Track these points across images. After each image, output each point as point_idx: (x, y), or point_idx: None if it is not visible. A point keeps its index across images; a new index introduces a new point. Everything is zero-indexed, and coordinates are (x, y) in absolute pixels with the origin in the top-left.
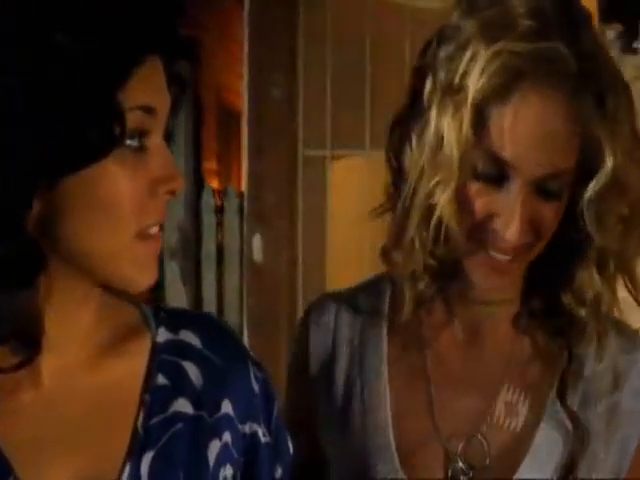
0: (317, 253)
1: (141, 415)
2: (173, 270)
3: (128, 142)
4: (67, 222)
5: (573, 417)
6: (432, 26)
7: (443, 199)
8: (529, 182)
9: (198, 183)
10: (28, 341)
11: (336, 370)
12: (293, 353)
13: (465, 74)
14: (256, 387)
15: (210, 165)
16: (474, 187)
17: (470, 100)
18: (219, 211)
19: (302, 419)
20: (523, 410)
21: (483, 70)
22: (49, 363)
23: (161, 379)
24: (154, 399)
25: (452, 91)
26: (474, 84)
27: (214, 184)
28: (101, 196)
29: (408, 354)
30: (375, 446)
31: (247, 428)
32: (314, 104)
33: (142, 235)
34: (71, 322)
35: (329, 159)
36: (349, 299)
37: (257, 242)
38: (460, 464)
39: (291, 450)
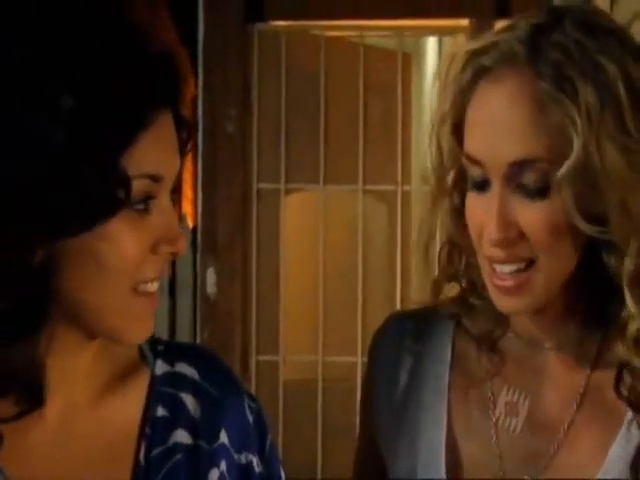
0: (271, 286)
1: (142, 447)
2: None
3: (134, 205)
4: (66, 274)
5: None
6: (385, 64)
7: (442, 214)
8: (503, 178)
9: None
10: (30, 393)
11: (396, 388)
12: (365, 376)
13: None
14: (250, 417)
15: None
16: (470, 198)
17: (449, 107)
18: None
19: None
20: (585, 453)
21: (455, 74)
22: (53, 404)
23: (160, 411)
24: (154, 431)
25: (441, 104)
26: (449, 89)
27: None
28: (103, 254)
29: (471, 383)
30: (424, 466)
31: (243, 458)
32: (268, 138)
33: (139, 290)
34: (72, 365)
35: (283, 193)
36: (418, 321)
37: (211, 275)
38: None
39: (283, 478)
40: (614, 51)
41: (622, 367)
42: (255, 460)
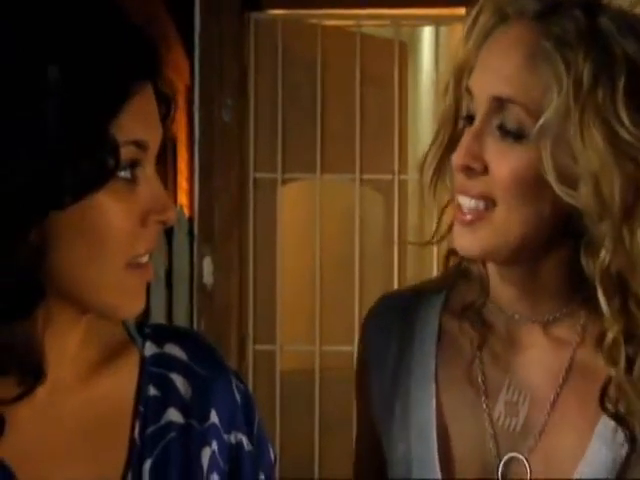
0: (267, 276)
1: (137, 426)
2: None
3: (121, 174)
4: (59, 251)
5: (632, 438)
6: (381, 53)
7: (439, 142)
8: (484, 113)
9: None
10: (30, 372)
11: (385, 369)
12: (357, 358)
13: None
14: (238, 397)
15: None
16: (465, 134)
17: (469, 49)
18: (167, 233)
19: (367, 423)
20: (572, 428)
21: (479, 19)
22: (42, 384)
23: (152, 390)
24: (147, 410)
25: (463, 50)
26: (472, 34)
27: None
28: (93, 227)
29: (458, 360)
30: (417, 445)
31: (232, 438)
32: (265, 127)
33: (132, 265)
34: (62, 343)
35: (280, 182)
36: (405, 300)
37: (207, 265)
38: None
39: (272, 457)
40: (631, 46)
41: (608, 382)
42: (245, 440)
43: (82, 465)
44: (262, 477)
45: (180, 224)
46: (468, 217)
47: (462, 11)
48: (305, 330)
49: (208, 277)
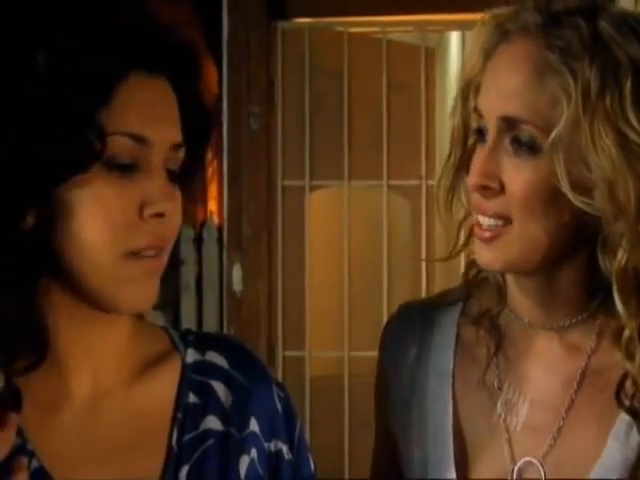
0: (296, 283)
1: (175, 432)
2: None
3: (119, 163)
4: (58, 238)
5: None
6: (407, 59)
7: (452, 161)
8: (495, 131)
9: None
10: (34, 347)
11: (404, 375)
12: (376, 366)
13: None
14: (279, 406)
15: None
16: (477, 151)
17: (473, 68)
18: (198, 242)
19: (384, 429)
20: (590, 429)
21: (481, 38)
22: (80, 383)
23: (192, 398)
24: (186, 417)
25: (468, 68)
26: (475, 53)
27: (193, 216)
28: (90, 212)
29: (474, 366)
30: (433, 450)
31: (272, 446)
32: (292, 135)
33: (131, 255)
34: (100, 344)
35: (307, 189)
36: (424, 309)
37: (237, 272)
38: None
39: (312, 467)
40: (634, 47)
41: (625, 376)
42: (285, 448)
43: (119, 470)
44: None
45: (209, 232)
46: (487, 234)
47: None
48: (334, 336)
49: (237, 284)
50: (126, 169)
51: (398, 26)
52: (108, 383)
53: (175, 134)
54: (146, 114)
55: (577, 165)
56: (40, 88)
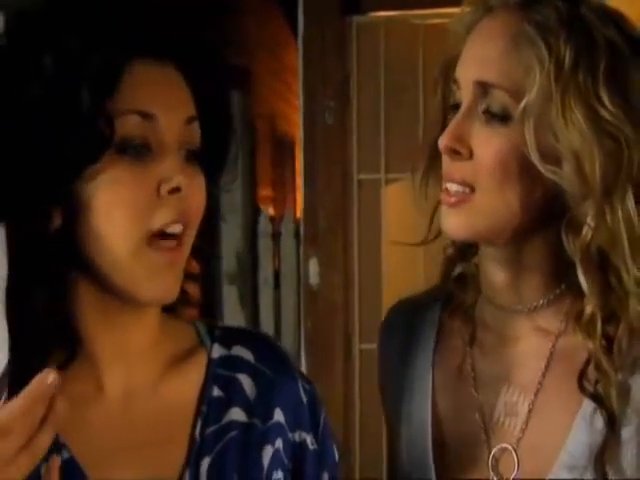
0: (372, 276)
1: (198, 425)
2: (231, 295)
3: (130, 144)
4: (82, 233)
5: (610, 419)
6: None
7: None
8: (470, 98)
9: (255, 210)
10: (66, 344)
11: (392, 370)
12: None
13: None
14: (304, 397)
15: (266, 192)
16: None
17: (455, 41)
18: (276, 236)
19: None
20: (558, 413)
21: (465, 15)
22: (112, 382)
23: (216, 391)
24: (210, 410)
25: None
26: (459, 30)
27: (270, 210)
28: (108, 199)
29: (452, 357)
30: (413, 443)
31: (297, 436)
32: (367, 129)
33: (154, 241)
34: (129, 342)
35: (383, 183)
36: (411, 305)
37: (313, 266)
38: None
39: (337, 457)
40: (614, 35)
41: (587, 363)
42: (309, 438)
43: (145, 462)
44: (326, 476)
45: (287, 226)
46: (453, 199)
47: None
48: None
49: (314, 278)
50: (138, 152)
51: None
52: (138, 378)
53: (184, 109)
54: (152, 94)
55: (547, 135)
56: (49, 88)
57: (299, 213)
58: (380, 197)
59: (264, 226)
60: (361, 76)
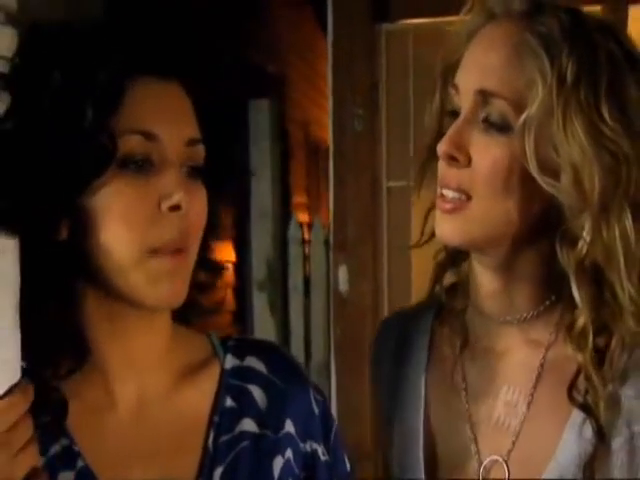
0: (402, 282)
1: (211, 435)
2: (261, 301)
3: (132, 160)
4: (88, 244)
5: (599, 430)
6: None
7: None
8: (469, 106)
9: (285, 216)
10: (74, 352)
11: (386, 381)
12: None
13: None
14: (316, 409)
15: (300, 198)
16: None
17: (452, 50)
18: (306, 243)
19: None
20: (548, 425)
21: (468, 20)
22: (125, 391)
23: (229, 402)
24: (222, 420)
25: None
26: (461, 34)
27: (304, 217)
28: (110, 212)
29: (443, 365)
30: (405, 451)
31: (307, 446)
32: (396, 136)
33: (156, 252)
34: (140, 351)
35: (412, 190)
36: (403, 316)
37: (343, 273)
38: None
39: (348, 468)
40: (614, 50)
41: (577, 374)
42: (320, 449)
43: (158, 471)
44: None
45: (316, 234)
46: (448, 206)
47: (598, 8)
48: None
49: (343, 285)
50: (140, 167)
51: None
52: (151, 387)
53: (188, 130)
54: (155, 113)
55: (546, 148)
56: (56, 103)
57: (323, 220)
58: (409, 204)
59: (294, 233)
60: (390, 83)
